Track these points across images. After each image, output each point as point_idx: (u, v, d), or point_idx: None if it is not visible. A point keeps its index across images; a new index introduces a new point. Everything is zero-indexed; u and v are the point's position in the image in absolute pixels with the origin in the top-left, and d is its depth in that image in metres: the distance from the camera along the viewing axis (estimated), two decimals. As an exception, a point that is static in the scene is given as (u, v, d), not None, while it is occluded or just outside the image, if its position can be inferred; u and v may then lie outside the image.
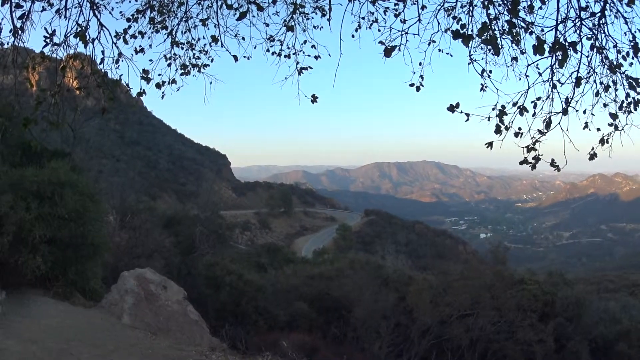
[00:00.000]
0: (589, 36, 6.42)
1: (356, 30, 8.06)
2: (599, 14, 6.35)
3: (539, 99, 6.52)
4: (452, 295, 27.42)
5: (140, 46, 8.43)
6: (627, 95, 6.64)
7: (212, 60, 8.84)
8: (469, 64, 6.73)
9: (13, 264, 12.84)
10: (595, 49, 6.48)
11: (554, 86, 6.45)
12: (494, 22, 6.41)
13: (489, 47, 6.43)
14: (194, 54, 8.78)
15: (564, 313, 27.99)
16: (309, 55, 8.35)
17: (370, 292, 27.47)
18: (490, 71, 6.93)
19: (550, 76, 6.41)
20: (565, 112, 6.41)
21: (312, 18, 8.26)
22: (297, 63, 8.35)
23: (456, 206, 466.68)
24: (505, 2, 6.31)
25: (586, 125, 6.82)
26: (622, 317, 28.85)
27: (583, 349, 26.00)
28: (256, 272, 34.44)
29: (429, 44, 7.22)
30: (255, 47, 8.53)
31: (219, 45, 8.45)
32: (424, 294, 27.43)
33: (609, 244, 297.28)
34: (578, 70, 6.38)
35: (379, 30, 7.53)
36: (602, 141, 6.69)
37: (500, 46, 6.50)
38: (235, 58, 8.41)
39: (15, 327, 10.41)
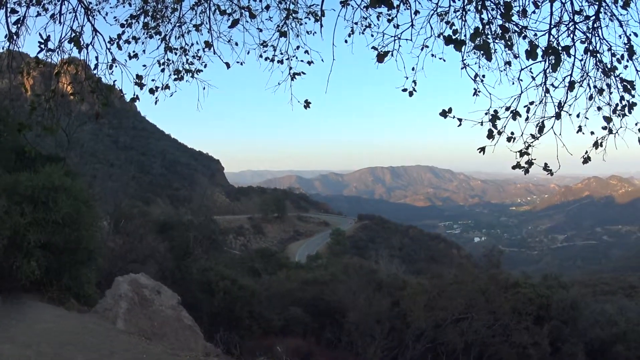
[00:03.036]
0: (583, 40, 6.45)
1: (349, 35, 8.03)
2: (593, 17, 6.38)
3: (532, 103, 6.54)
4: (447, 299, 27.44)
5: (134, 51, 8.44)
6: (622, 98, 6.66)
7: (205, 66, 8.84)
8: (462, 68, 6.73)
9: (7, 269, 12.81)
10: (589, 53, 6.50)
11: (547, 90, 6.46)
12: (487, 26, 6.41)
13: (481, 52, 6.44)
14: (187, 60, 8.78)
15: (559, 316, 28.02)
16: (302, 61, 8.35)
17: (364, 296, 27.45)
18: (483, 76, 6.92)
19: (544, 80, 6.43)
20: (558, 116, 6.42)
21: (305, 23, 8.26)
22: (290, 68, 8.35)
23: (450, 210, 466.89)
24: (499, 6, 6.32)
25: (580, 129, 6.83)
26: (619, 319, 28.91)
27: (579, 352, 26.04)
28: (250, 277, 34.39)
29: (422, 49, 7.22)
30: (248, 53, 8.54)
31: (212, 51, 8.46)
32: (418, 298, 27.42)
33: (605, 246, 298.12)
34: (571, 74, 6.40)
35: (372, 36, 7.51)
36: (596, 145, 6.71)
37: (493, 51, 6.51)
38: (228, 65, 8.39)
39: (9, 332, 10.39)
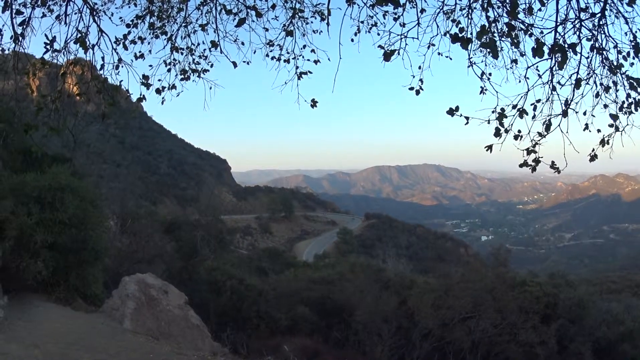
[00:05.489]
0: (589, 37, 6.42)
1: (355, 34, 8.01)
2: (599, 15, 6.35)
3: (538, 101, 6.52)
4: (454, 298, 27.35)
5: (140, 52, 8.43)
6: (628, 95, 6.63)
7: (211, 66, 8.82)
8: (468, 67, 6.71)
9: (15, 269, 12.85)
10: (595, 50, 6.47)
11: (554, 88, 6.44)
12: (493, 24, 6.40)
13: (488, 50, 6.43)
14: (193, 59, 8.76)
15: (566, 314, 27.92)
16: (308, 60, 8.31)
17: (371, 295, 27.42)
18: (490, 74, 6.91)
19: (550, 78, 6.41)
20: (565, 114, 6.40)
21: (312, 22, 8.21)
22: (297, 67, 8.31)
23: (457, 209, 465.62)
24: (505, 4, 6.31)
25: (586, 127, 6.80)
26: (625, 318, 28.75)
27: (586, 350, 25.93)
28: (257, 277, 34.40)
29: (429, 47, 7.19)
30: (254, 52, 8.52)
31: (218, 51, 8.45)
32: (425, 297, 27.37)
33: (612, 244, 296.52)
34: (578, 72, 6.38)
35: (378, 34, 7.47)
36: (603, 142, 6.68)
37: (499, 49, 6.50)
38: (235, 64, 8.39)
39: (17, 332, 10.42)
